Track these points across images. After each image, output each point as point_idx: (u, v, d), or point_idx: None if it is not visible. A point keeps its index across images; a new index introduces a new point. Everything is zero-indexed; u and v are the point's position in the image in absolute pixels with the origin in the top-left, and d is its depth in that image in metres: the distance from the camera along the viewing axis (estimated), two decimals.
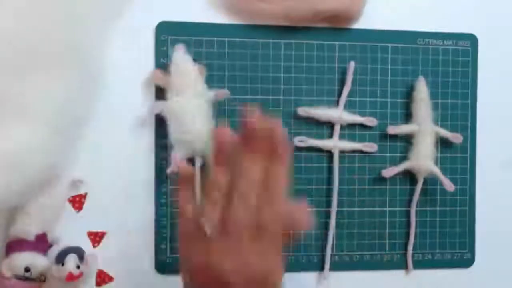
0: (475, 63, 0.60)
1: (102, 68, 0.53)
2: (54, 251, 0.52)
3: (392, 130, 0.58)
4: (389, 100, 0.59)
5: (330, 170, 0.58)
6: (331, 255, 0.58)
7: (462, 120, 0.60)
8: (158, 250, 0.56)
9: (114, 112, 0.54)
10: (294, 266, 0.57)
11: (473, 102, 0.60)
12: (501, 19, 0.61)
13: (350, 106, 0.58)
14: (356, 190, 0.58)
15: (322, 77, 0.58)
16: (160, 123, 0.55)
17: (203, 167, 0.54)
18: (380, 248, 0.59)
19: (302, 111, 0.57)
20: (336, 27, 0.58)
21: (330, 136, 0.58)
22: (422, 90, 0.58)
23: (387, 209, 0.59)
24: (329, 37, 0.58)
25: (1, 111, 0.48)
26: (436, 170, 0.58)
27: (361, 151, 0.58)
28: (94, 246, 0.55)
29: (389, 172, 0.58)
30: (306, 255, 0.58)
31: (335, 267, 0.58)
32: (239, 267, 0.38)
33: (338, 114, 0.57)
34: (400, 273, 0.59)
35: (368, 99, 0.59)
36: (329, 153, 0.58)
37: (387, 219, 0.59)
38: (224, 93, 0.55)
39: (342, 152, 0.58)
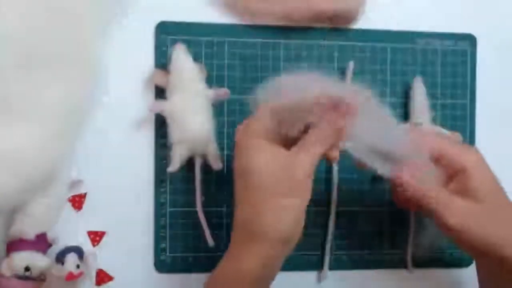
0: (474, 63, 0.60)
1: (102, 68, 0.53)
2: (54, 250, 0.52)
3: None
4: (388, 100, 0.59)
5: (330, 170, 0.58)
6: (330, 254, 0.58)
7: (461, 120, 0.60)
8: (157, 250, 0.56)
9: (114, 112, 0.54)
10: (294, 265, 0.57)
11: (472, 102, 0.60)
12: (500, 19, 0.61)
13: None
14: (356, 190, 0.59)
15: None
16: (160, 123, 0.55)
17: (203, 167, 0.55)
18: (380, 247, 0.59)
19: None
20: (336, 27, 0.58)
21: None
22: (419, 90, 0.58)
23: (387, 208, 0.59)
24: (328, 37, 0.58)
25: (1, 111, 0.48)
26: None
27: None
28: (93, 246, 0.55)
29: None
30: (305, 255, 0.58)
31: (334, 266, 0.58)
32: None
33: None
34: (399, 272, 0.59)
35: None
36: None
37: (386, 219, 0.59)
38: (224, 92, 0.55)
39: (341, 151, 0.58)
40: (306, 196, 0.45)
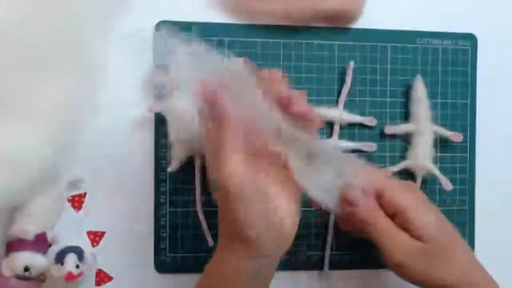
0: (475, 63, 0.60)
1: (102, 68, 0.53)
2: (54, 250, 0.52)
3: (389, 130, 0.58)
4: (388, 99, 0.59)
5: None
6: (330, 254, 0.58)
7: (461, 119, 0.60)
8: (157, 250, 0.56)
9: (114, 112, 0.54)
10: (294, 265, 0.57)
11: (472, 101, 0.60)
12: (500, 19, 0.61)
13: (349, 105, 0.58)
14: None
15: (321, 77, 0.58)
16: (160, 123, 0.55)
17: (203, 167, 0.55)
18: None
19: None
20: (336, 27, 0.58)
21: (330, 135, 0.58)
22: (419, 90, 0.58)
23: None
24: (329, 37, 0.58)
25: (1, 111, 0.48)
26: (434, 169, 0.58)
27: (360, 151, 0.58)
28: (93, 246, 0.55)
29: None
30: (305, 254, 0.58)
31: (334, 266, 0.58)
32: None
33: (338, 113, 0.57)
34: None
35: (367, 98, 0.59)
36: None
37: None
38: None
39: (341, 151, 0.58)
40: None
